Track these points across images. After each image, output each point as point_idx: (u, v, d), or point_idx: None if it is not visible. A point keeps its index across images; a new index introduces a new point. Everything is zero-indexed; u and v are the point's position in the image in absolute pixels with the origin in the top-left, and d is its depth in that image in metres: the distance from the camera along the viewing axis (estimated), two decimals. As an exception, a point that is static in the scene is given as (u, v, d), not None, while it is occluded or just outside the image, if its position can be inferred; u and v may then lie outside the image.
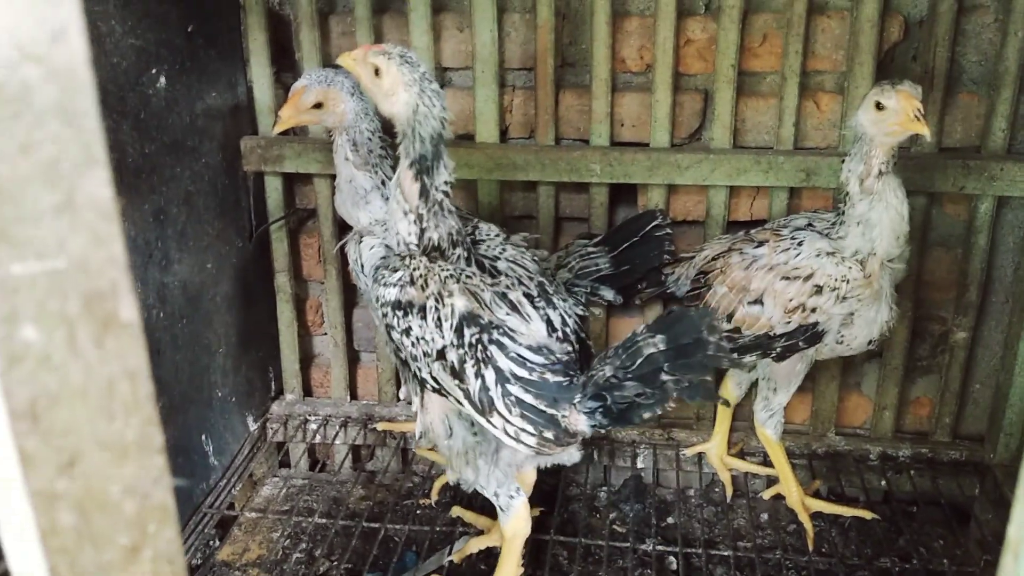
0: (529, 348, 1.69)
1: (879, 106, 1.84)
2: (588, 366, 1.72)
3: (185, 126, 2.16)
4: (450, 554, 2.20)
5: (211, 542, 2.35)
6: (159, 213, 2.06)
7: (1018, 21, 2.13)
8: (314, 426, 2.69)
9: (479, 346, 1.67)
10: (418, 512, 2.45)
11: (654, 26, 2.26)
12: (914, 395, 2.56)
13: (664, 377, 1.57)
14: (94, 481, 0.54)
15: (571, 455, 1.86)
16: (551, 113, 2.38)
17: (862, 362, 2.55)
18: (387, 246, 1.87)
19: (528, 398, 1.65)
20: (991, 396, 2.47)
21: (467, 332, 1.68)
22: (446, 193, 1.77)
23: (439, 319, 1.70)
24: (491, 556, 2.21)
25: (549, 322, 1.77)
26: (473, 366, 1.67)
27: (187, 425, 2.25)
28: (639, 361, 1.59)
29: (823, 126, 2.35)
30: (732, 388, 2.37)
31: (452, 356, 1.69)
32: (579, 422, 1.66)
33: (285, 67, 2.51)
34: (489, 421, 1.69)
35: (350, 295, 2.67)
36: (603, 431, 1.72)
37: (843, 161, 1.97)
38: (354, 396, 2.77)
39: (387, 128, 2.20)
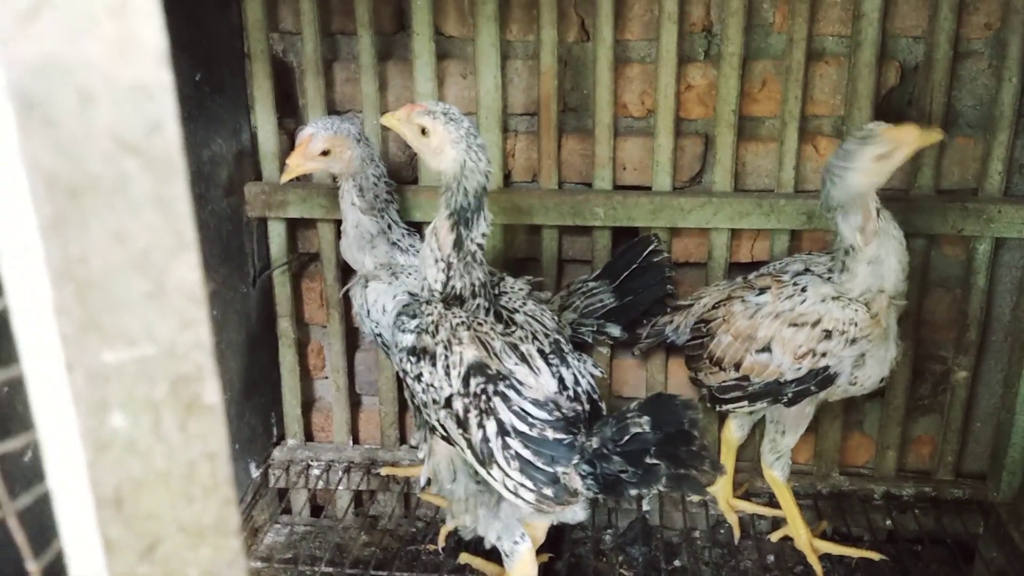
0: (534, 402, 1.67)
1: (881, 156, 1.86)
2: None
3: (193, 173, 2.17)
4: (459, 602, 2.18)
5: (214, 592, 2.31)
6: (167, 261, 2.05)
7: (1012, 67, 2.18)
8: (316, 472, 2.67)
9: (483, 396, 1.67)
10: (424, 558, 2.43)
11: (655, 72, 2.29)
12: (916, 434, 2.57)
13: (650, 460, 1.55)
14: (173, 565, 0.54)
15: (575, 513, 1.84)
16: (554, 158, 2.40)
17: (864, 402, 2.56)
18: (410, 293, 1.88)
19: (527, 454, 1.64)
20: (992, 434, 2.49)
21: (473, 382, 1.68)
22: (480, 246, 1.79)
23: (447, 367, 1.70)
24: (500, 603, 2.19)
25: (561, 380, 1.76)
26: (476, 416, 1.67)
27: (191, 473, 2.22)
28: (626, 438, 1.58)
29: (822, 169, 2.38)
30: (735, 429, 2.37)
31: (458, 405, 1.68)
32: (577, 482, 1.64)
33: (288, 113, 2.53)
34: (489, 473, 1.68)
35: (352, 339, 2.67)
36: (598, 497, 1.70)
37: (831, 218, 1.97)
38: (356, 440, 2.75)
39: (392, 173, 2.22)
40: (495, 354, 1.72)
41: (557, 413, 1.68)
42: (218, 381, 0.53)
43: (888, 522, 2.48)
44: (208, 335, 0.53)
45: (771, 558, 2.43)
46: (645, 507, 2.55)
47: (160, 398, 0.51)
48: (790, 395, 2.06)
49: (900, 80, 2.33)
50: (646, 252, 2.21)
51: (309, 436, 2.77)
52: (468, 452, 1.69)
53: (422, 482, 1.93)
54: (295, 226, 2.58)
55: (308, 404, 2.77)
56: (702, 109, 2.40)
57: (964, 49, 2.27)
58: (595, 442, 1.62)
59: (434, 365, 1.71)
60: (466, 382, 1.68)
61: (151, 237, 0.49)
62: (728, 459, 2.43)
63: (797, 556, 2.36)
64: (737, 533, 2.42)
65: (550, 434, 1.64)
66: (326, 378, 2.73)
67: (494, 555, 2.28)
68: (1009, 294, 2.39)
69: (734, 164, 2.35)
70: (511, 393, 1.67)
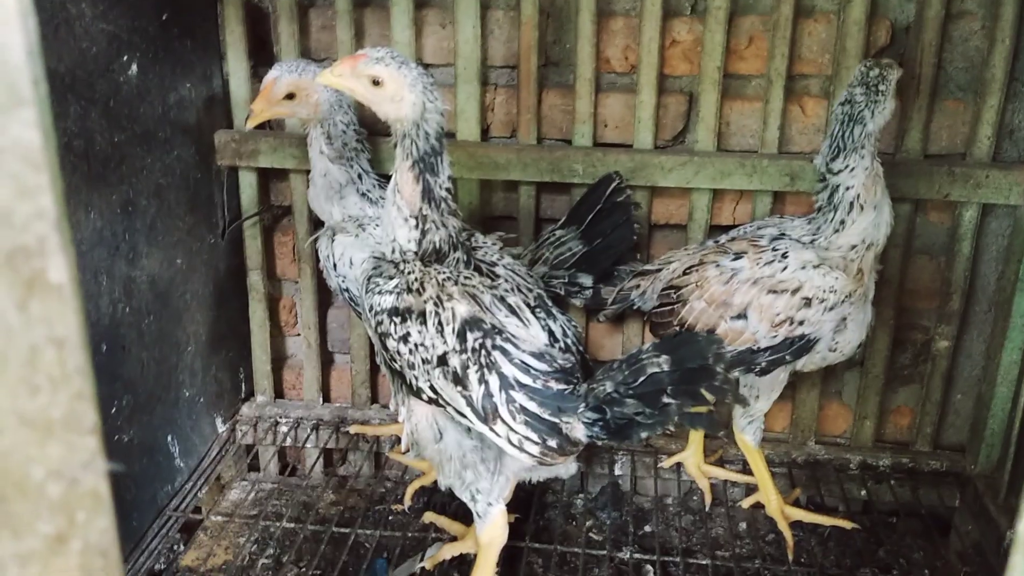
0: (532, 355, 1.65)
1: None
2: (588, 378, 1.69)
3: (157, 117, 2.10)
4: (422, 560, 2.14)
5: (175, 546, 2.27)
6: (127, 205, 1.99)
7: (1005, 28, 2.11)
8: (285, 429, 2.62)
9: (483, 351, 1.63)
10: (390, 518, 2.39)
11: (639, 26, 2.23)
12: (895, 404, 2.53)
13: (666, 400, 1.55)
14: (13, 461, 0.49)
15: (568, 467, 1.83)
16: (534, 112, 2.34)
17: (843, 371, 2.51)
18: (376, 257, 1.81)
19: (532, 406, 1.62)
20: (972, 406, 2.45)
21: (470, 337, 1.63)
22: (448, 190, 1.72)
23: (440, 324, 1.65)
24: (463, 563, 2.15)
25: (551, 332, 1.73)
26: (476, 372, 1.63)
27: (152, 425, 2.18)
28: (642, 379, 1.57)
29: (808, 130, 2.32)
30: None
31: (454, 362, 1.64)
32: (579, 431, 1.63)
33: (263, 61, 2.45)
34: (492, 429, 1.64)
35: (325, 295, 2.62)
36: (600, 444, 1.68)
37: (836, 173, 1.93)
38: (327, 399, 2.71)
39: (362, 120, 2.15)
40: (486, 308, 1.68)
41: (556, 364, 1.66)
42: (67, 259, 0.48)
43: (863, 492, 2.45)
44: (54, 206, 0.47)
45: (743, 525, 2.39)
46: (618, 472, 2.51)
47: (-8, 270, 0.45)
48: (763, 364, 2.01)
49: (891, 40, 2.26)
50: (609, 191, 2.14)
51: (279, 393, 2.72)
52: (468, 410, 1.65)
53: (403, 447, 1.88)
54: (267, 177, 2.52)
55: (279, 361, 2.72)
56: (687, 66, 2.33)
57: (956, 9, 2.20)
58: (608, 386, 1.60)
59: (424, 323, 1.66)
60: (462, 338, 1.63)
61: (-24, 85, 0.43)
62: (701, 425, 2.39)
63: (769, 524, 2.33)
64: (709, 499, 2.38)
65: (554, 385, 1.63)
66: (298, 335, 2.68)
67: (460, 515, 2.25)
68: (994, 262, 2.34)
69: (718, 123, 2.29)
70: (509, 346, 1.64)
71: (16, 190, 0.45)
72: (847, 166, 1.91)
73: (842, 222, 1.94)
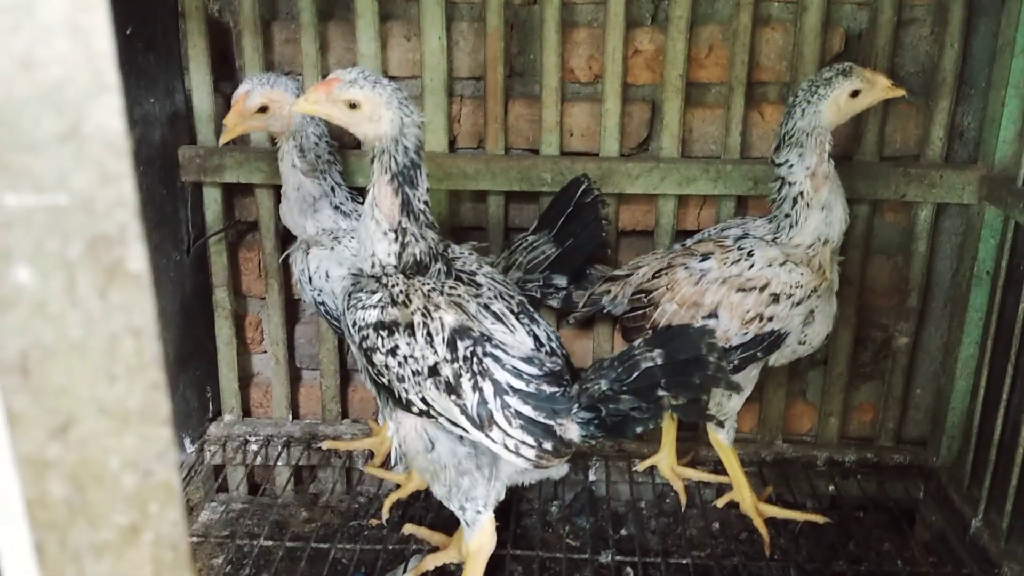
0: (522, 359, 1.67)
1: (855, 93, 1.90)
2: (574, 379, 1.71)
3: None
4: (405, 571, 2.12)
5: (148, 570, 2.22)
6: (95, 221, 1.95)
7: (954, 34, 2.20)
8: (254, 447, 2.58)
9: (474, 359, 1.63)
10: (366, 532, 2.36)
11: (603, 36, 2.27)
12: (858, 401, 2.60)
13: (660, 393, 1.58)
14: (90, 450, 0.48)
15: (560, 469, 1.84)
16: (500, 122, 2.36)
17: (807, 370, 2.58)
18: (354, 273, 1.80)
19: (527, 410, 1.63)
20: (933, 400, 2.52)
21: (460, 345, 1.64)
22: (426, 203, 1.73)
23: (429, 334, 1.65)
24: (444, 573, 2.14)
25: (536, 338, 1.75)
26: (470, 380, 1.63)
27: (123, 446, 2.13)
28: (636, 375, 1.60)
29: (768, 136, 2.38)
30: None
31: (446, 371, 1.64)
32: (573, 432, 1.64)
33: (225, 76, 2.44)
34: (488, 436, 1.65)
35: (292, 311, 2.59)
36: (592, 442, 1.70)
37: (778, 166, 1.99)
38: (296, 415, 2.68)
39: (332, 133, 2.15)
40: (472, 316, 1.69)
41: (545, 368, 1.68)
42: (145, 248, 0.48)
43: (831, 488, 2.50)
44: (133, 194, 0.47)
45: (716, 525, 2.42)
46: (592, 477, 2.53)
47: (75, 257, 0.45)
48: (736, 361, 2.05)
49: (844, 47, 2.34)
50: (579, 193, 2.17)
51: (247, 411, 2.68)
52: (463, 419, 1.65)
53: (393, 460, 1.87)
54: (232, 192, 2.49)
55: (246, 379, 2.68)
56: (649, 75, 2.38)
57: (907, 16, 2.29)
58: (602, 384, 1.62)
59: (412, 335, 1.65)
60: (452, 347, 1.64)
61: (65, 70, 0.43)
62: (671, 428, 2.42)
63: (743, 523, 2.36)
64: (683, 500, 2.41)
65: (546, 388, 1.65)
66: (264, 352, 2.65)
67: (439, 525, 2.24)
68: (949, 260, 2.42)
69: (681, 130, 2.34)
70: (500, 353, 1.65)
71: (99, 177, 0.45)
72: (786, 161, 1.97)
73: (796, 220, 1.99)
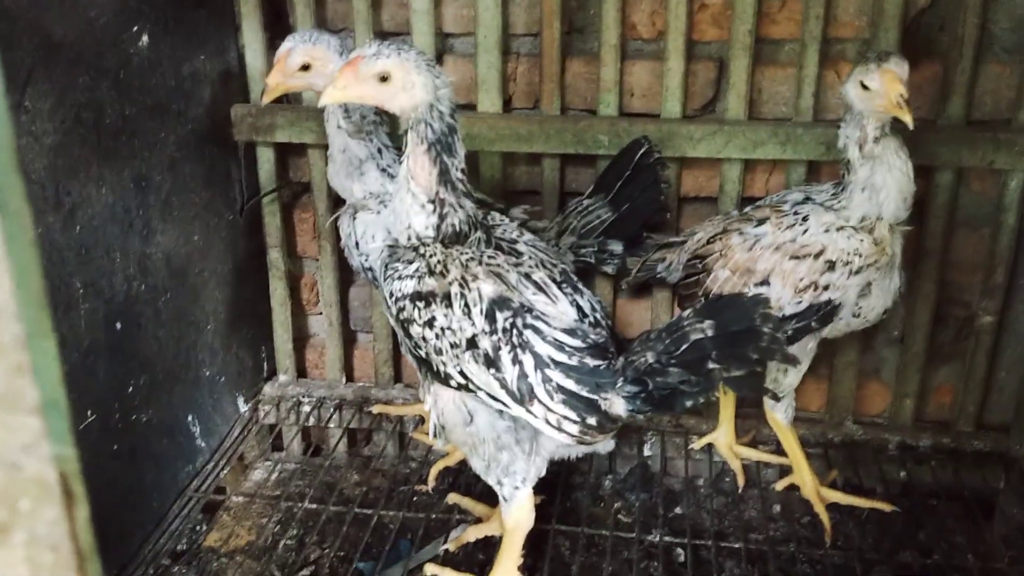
0: (564, 331, 1.60)
1: (863, 86, 1.77)
2: (620, 351, 1.63)
3: (170, 89, 2.05)
4: (446, 542, 2.09)
5: (198, 527, 2.25)
6: (140, 179, 1.95)
7: (1056, -17, 2.00)
8: (308, 408, 2.59)
9: (514, 331, 1.57)
10: (414, 499, 2.34)
11: (667, -11, 2.14)
12: (936, 383, 2.43)
13: (711, 365, 1.50)
14: (-57, 443, 0.43)
15: (606, 444, 1.76)
16: (557, 81, 2.26)
17: (881, 348, 2.42)
18: (390, 245, 1.75)
19: (569, 384, 1.57)
20: (1018, 384, 2.34)
21: (499, 317, 1.58)
22: (464, 171, 1.66)
23: (467, 305, 1.59)
24: (488, 545, 2.10)
25: (579, 308, 1.67)
26: (509, 352, 1.57)
27: (171, 404, 2.14)
28: (684, 347, 1.51)
29: (844, 97, 2.22)
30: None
31: (485, 344, 1.58)
32: (618, 407, 1.57)
33: (279, 33, 2.38)
34: (529, 410, 1.59)
35: (346, 273, 2.57)
36: (640, 416, 1.63)
37: (839, 127, 1.89)
38: (350, 378, 2.67)
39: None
40: (512, 287, 1.62)
41: (589, 339, 1.61)
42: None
43: (903, 474, 2.36)
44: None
45: (777, 508, 2.32)
46: (647, 452, 2.44)
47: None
48: (790, 332, 1.94)
49: (932, 2, 2.15)
50: (638, 156, 2.06)
51: (302, 372, 2.68)
52: (502, 392, 1.59)
53: (430, 435, 1.82)
54: (286, 152, 2.47)
55: (301, 340, 2.68)
56: (716, 31, 2.24)
57: (1003, -35, 2.08)
58: (649, 357, 1.54)
59: (450, 306, 1.60)
60: (491, 318, 1.58)
61: None
62: (729, 404, 2.31)
63: (804, 506, 2.25)
64: (741, 481, 2.30)
65: (589, 361, 1.58)
66: (319, 313, 2.64)
67: (485, 496, 2.20)
68: (1041, 234, 2.23)
69: (749, 90, 2.20)
70: (540, 324, 1.58)
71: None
72: (841, 123, 1.89)
73: (848, 190, 1.88)
